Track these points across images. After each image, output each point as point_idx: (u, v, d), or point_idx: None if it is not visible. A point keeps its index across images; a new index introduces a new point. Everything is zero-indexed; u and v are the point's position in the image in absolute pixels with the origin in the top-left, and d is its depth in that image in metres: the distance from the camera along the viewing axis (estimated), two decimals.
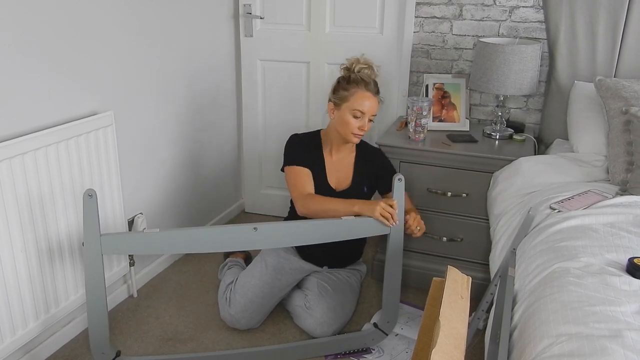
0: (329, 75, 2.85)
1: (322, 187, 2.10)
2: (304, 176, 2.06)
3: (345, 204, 1.91)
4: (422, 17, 2.59)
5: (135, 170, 2.29)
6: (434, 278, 1.53)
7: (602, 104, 2.09)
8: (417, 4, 2.57)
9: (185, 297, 2.37)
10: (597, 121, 2.12)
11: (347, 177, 2.14)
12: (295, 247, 2.18)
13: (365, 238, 2.21)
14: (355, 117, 1.99)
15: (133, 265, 2.27)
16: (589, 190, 1.82)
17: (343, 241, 1.92)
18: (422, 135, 2.33)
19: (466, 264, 2.37)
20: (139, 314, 2.25)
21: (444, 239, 2.37)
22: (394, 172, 2.16)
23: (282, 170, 2.13)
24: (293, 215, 2.17)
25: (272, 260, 2.13)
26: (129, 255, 2.23)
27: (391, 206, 1.84)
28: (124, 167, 2.20)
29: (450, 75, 2.58)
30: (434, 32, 2.59)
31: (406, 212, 1.95)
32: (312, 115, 2.92)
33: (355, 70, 2.03)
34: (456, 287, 1.40)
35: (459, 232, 2.35)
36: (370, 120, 2.02)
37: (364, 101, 1.99)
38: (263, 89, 2.96)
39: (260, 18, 2.85)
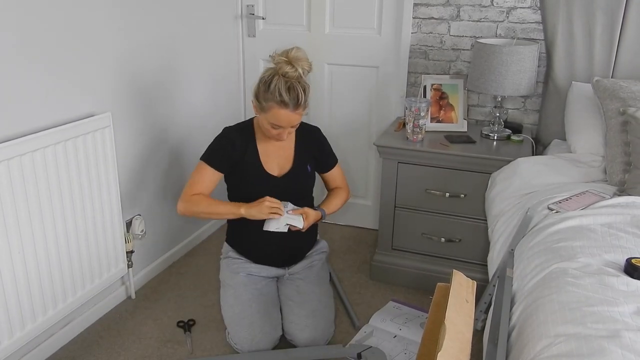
0: (329, 75, 2.85)
1: (260, 176, 2.04)
2: (205, 179, 2.00)
3: (230, 207, 1.95)
4: (420, 18, 2.59)
5: (133, 172, 2.28)
6: (439, 283, 1.53)
7: (599, 105, 2.09)
8: (415, 5, 2.57)
9: (184, 299, 2.37)
10: (594, 122, 2.13)
11: (288, 161, 2.08)
12: (249, 257, 2.13)
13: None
14: (274, 127, 1.92)
15: (131, 266, 2.27)
16: (586, 191, 1.83)
17: (293, 234, 1.99)
18: (420, 136, 2.34)
19: (464, 264, 2.37)
20: (137, 316, 2.24)
21: (442, 239, 2.37)
22: (330, 153, 2.19)
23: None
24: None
25: (236, 280, 2.07)
26: (127, 257, 2.23)
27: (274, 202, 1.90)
28: (121, 169, 2.20)
29: (448, 76, 2.58)
30: (431, 33, 2.60)
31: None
32: (313, 114, 2.93)
33: (280, 73, 1.87)
34: (461, 290, 1.39)
35: (457, 233, 2.35)
36: (293, 127, 1.94)
37: (280, 117, 1.88)
38: None
39: (263, 18, 2.87)
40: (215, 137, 2.05)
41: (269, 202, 1.92)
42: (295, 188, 2.09)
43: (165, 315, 2.25)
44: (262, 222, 1.99)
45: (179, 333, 2.15)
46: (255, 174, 2.03)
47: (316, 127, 2.18)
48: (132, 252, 2.25)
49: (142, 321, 2.21)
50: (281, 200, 2.00)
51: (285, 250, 2.12)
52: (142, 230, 2.28)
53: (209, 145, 2.04)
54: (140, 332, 2.15)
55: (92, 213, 2.00)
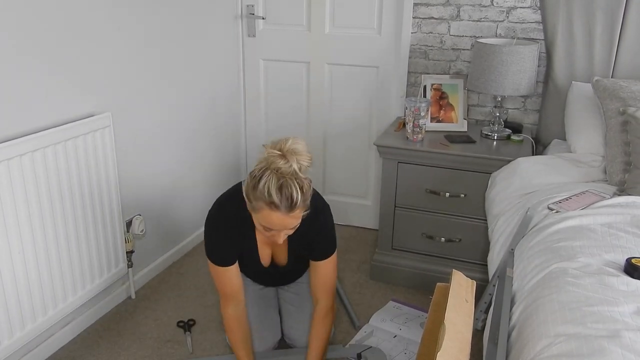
0: (329, 75, 2.85)
1: (256, 268, 1.90)
2: (229, 277, 1.79)
3: None
4: (420, 17, 2.59)
5: (134, 172, 2.28)
6: (438, 283, 1.53)
7: (599, 105, 2.09)
8: (415, 4, 2.57)
9: (184, 299, 2.37)
10: (594, 122, 2.13)
11: (282, 253, 1.88)
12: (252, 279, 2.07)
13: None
14: (267, 230, 1.61)
15: (131, 266, 2.27)
16: (586, 191, 1.83)
17: (290, 272, 1.96)
18: (420, 135, 2.34)
19: (464, 264, 2.37)
20: (137, 316, 2.24)
21: (442, 239, 2.37)
22: (323, 243, 1.82)
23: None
24: None
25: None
26: (127, 256, 2.23)
27: None
28: (122, 169, 2.20)
29: (448, 75, 2.58)
30: (431, 32, 2.60)
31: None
32: (313, 114, 2.94)
33: (272, 168, 1.52)
34: (461, 290, 1.39)
35: (457, 233, 2.35)
36: (289, 230, 1.61)
37: (271, 220, 1.55)
38: (265, 88, 3.00)
39: (262, 18, 2.87)
40: (207, 224, 1.78)
41: None
42: (291, 277, 2.07)
43: (165, 315, 2.25)
44: (256, 273, 1.97)
45: (179, 333, 2.15)
46: (251, 265, 1.89)
47: (322, 207, 1.80)
48: (132, 252, 2.25)
49: (142, 321, 2.21)
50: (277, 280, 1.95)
51: (286, 281, 2.11)
52: (142, 230, 2.28)
53: (206, 239, 1.78)
54: (140, 332, 2.15)
55: (92, 213, 2.01)
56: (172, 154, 2.52)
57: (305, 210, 1.60)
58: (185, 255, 2.73)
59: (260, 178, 1.53)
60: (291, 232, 1.64)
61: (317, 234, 1.79)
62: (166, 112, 2.44)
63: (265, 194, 1.51)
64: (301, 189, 1.54)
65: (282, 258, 1.90)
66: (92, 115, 1.99)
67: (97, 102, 2.04)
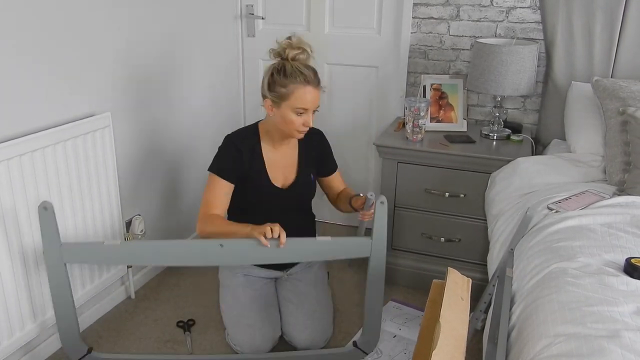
0: (328, 75, 2.85)
1: (267, 189, 1.97)
2: (219, 193, 1.91)
3: (241, 228, 1.78)
4: (420, 17, 2.59)
5: (133, 172, 2.28)
6: (434, 280, 1.53)
7: (599, 105, 2.09)
8: (414, 4, 2.57)
9: (183, 299, 2.37)
10: (594, 121, 2.13)
11: (292, 170, 2.02)
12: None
13: (314, 221, 2.17)
14: (298, 114, 1.84)
15: (131, 266, 2.27)
16: (586, 191, 1.83)
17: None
18: (419, 135, 2.34)
19: (464, 264, 2.37)
20: (137, 316, 2.24)
21: (442, 239, 2.37)
22: (332, 156, 2.13)
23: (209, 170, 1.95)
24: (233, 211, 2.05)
25: (234, 280, 2.05)
26: None
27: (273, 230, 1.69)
28: (121, 169, 2.20)
29: (447, 75, 2.58)
30: (431, 32, 2.60)
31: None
32: None
33: (290, 58, 1.82)
34: (456, 288, 1.40)
35: (456, 233, 2.35)
36: (313, 112, 1.88)
37: (305, 97, 1.81)
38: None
39: (262, 18, 2.87)
40: (220, 147, 1.95)
41: (268, 230, 1.70)
42: (299, 199, 2.06)
43: (164, 315, 2.25)
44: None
45: (179, 333, 2.15)
46: (261, 186, 1.96)
47: (319, 129, 2.10)
48: None
49: (142, 321, 2.21)
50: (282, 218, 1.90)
51: None
52: (142, 230, 2.28)
53: (216, 156, 1.94)
54: (140, 332, 2.15)
55: (92, 213, 2.00)
56: (171, 154, 2.52)
57: (323, 91, 1.89)
58: None
59: (284, 66, 1.81)
60: (312, 116, 1.87)
61: (325, 148, 2.10)
62: (166, 112, 2.44)
63: (297, 73, 1.79)
64: (316, 70, 1.87)
65: (291, 177, 2.01)
66: (92, 115, 1.99)
67: (96, 102, 2.04)
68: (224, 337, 2.10)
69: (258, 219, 1.80)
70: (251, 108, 3.05)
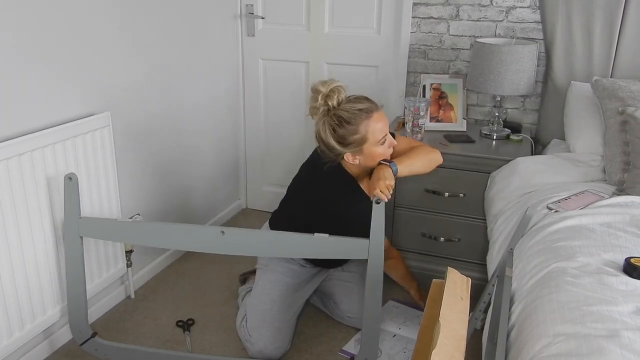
0: (328, 75, 2.85)
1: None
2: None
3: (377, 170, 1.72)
4: (419, 17, 2.59)
5: (133, 171, 2.28)
6: (434, 280, 1.53)
7: (598, 104, 2.09)
8: (414, 4, 2.57)
9: (183, 299, 2.37)
10: (593, 121, 2.13)
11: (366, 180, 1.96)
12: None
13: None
14: (383, 143, 1.77)
15: (130, 266, 2.27)
16: (585, 190, 1.83)
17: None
18: (419, 135, 2.34)
19: (463, 264, 2.37)
20: (136, 316, 2.24)
21: (442, 239, 2.37)
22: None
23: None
24: (279, 220, 2.05)
25: (283, 267, 2.02)
26: (127, 256, 2.23)
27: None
28: (121, 168, 2.20)
29: (447, 75, 2.58)
30: (431, 32, 2.60)
31: None
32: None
33: (336, 105, 1.74)
34: (456, 288, 1.40)
35: (456, 233, 2.35)
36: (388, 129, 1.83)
37: (378, 124, 1.74)
38: (265, 88, 3.00)
39: (262, 18, 2.88)
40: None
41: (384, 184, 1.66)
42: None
43: (164, 315, 2.25)
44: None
45: (178, 333, 2.15)
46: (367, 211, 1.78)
47: None
48: (131, 251, 2.25)
49: (142, 321, 2.21)
50: None
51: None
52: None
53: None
54: (139, 331, 2.15)
55: (91, 212, 2.00)
56: (171, 153, 2.52)
57: (382, 107, 1.79)
58: (185, 255, 2.73)
59: (340, 116, 1.72)
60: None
61: None
62: (165, 112, 2.44)
63: (357, 112, 1.71)
64: (359, 95, 1.77)
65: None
66: (92, 115, 1.99)
67: (96, 101, 2.04)
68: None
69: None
70: (251, 108, 3.05)
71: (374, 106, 1.76)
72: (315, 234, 1.70)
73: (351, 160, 1.80)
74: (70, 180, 1.75)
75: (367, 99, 1.77)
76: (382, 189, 1.67)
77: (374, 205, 1.64)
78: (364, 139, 1.73)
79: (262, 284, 2.03)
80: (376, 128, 1.73)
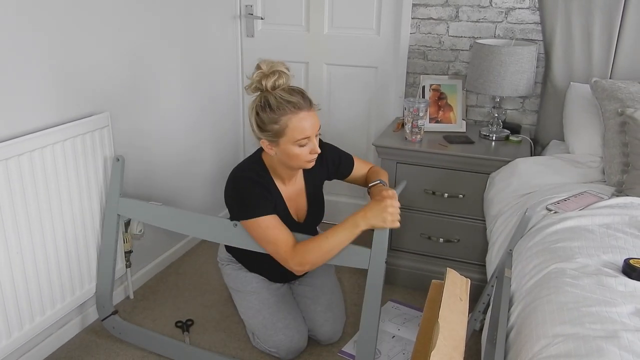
0: (327, 76, 2.86)
1: (288, 224, 1.75)
2: (280, 226, 1.69)
3: (343, 230, 1.60)
4: (419, 18, 2.59)
5: (132, 172, 2.28)
6: (433, 280, 1.53)
7: (597, 106, 2.09)
8: (414, 5, 2.57)
9: (182, 299, 2.37)
10: (592, 122, 2.13)
11: (303, 201, 1.91)
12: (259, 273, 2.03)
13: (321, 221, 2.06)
14: (302, 145, 1.65)
15: (130, 266, 2.27)
16: (585, 192, 1.83)
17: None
18: (418, 136, 2.34)
19: (463, 264, 2.37)
20: (135, 316, 2.24)
21: (441, 240, 2.37)
22: (342, 157, 1.94)
23: (233, 220, 1.76)
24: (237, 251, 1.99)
25: (255, 285, 2.00)
26: (126, 257, 2.23)
27: (392, 199, 1.57)
28: None
29: (446, 76, 2.58)
30: (430, 33, 2.60)
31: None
32: None
33: (269, 88, 1.62)
34: (455, 289, 1.40)
35: (455, 233, 2.35)
36: (317, 135, 1.69)
37: (302, 125, 1.61)
38: None
39: (261, 18, 2.88)
40: (244, 189, 1.71)
41: (391, 212, 1.56)
42: (313, 227, 2.00)
43: (163, 315, 2.25)
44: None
45: (178, 333, 2.15)
46: (284, 222, 1.75)
47: (322, 143, 1.86)
48: (130, 252, 2.25)
49: (141, 321, 2.21)
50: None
51: None
52: (141, 230, 2.28)
53: (239, 202, 1.71)
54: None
55: (90, 213, 2.00)
56: (170, 154, 2.52)
57: (318, 109, 1.68)
58: (184, 255, 2.73)
59: (267, 99, 1.62)
60: (317, 140, 1.69)
61: (332, 155, 1.90)
62: (165, 112, 2.44)
63: (284, 102, 1.60)
64: (301, 89, 1.67)
65: (303, 209, 1.90)
66: (91, 115, 1.99)
67: (95, 101, 2.04)
68: (250, 341, 2.09)
69: (266, 255, 1.73)
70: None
71: (306, 104, 1.63)
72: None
73: (267, 150, 1.70)
74: (118, 161, 1.95)
75: (303, 94, 1.65)
76: (392, 216, 1.60)
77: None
78: (281, 132, 1.62)
79: (250, 301, 2.00)
80: (297, 126, 1.61)
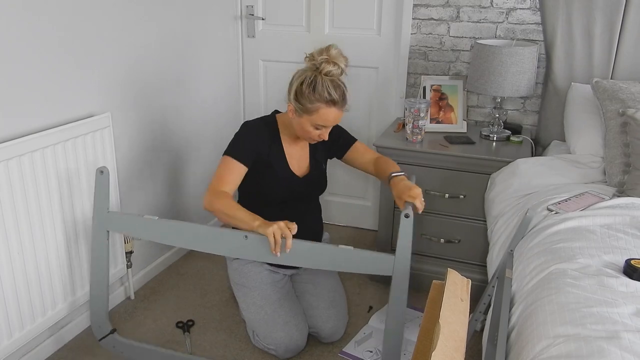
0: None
1: (286, 175, 1.97)
2: (234, 173, 1.87)
3: (247, 216, 1.70)
4: (420, 18, 2.59)
5: (133, 172, 2.28)
6: (434, 281, 1.53)
7: (599, 106, 2.09)
8: (415, 5, 2.58)
9: (183, 300, 2.37)
10: (594, 123, 2.13)
11: (306, 163, 2.04)
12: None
13: (321, 210, 2.18)
14: (317, 129, 1.86)
15: (130, 267, 2.27)
16: (586, 192, 1.83)
17: (303, 234, 1.79)
18: (419, 136, 2.34)
19: (464, 265, 2.37)
20: (136, 316, 2.24)
21: (442, 240, 2.37)
22: (343, 133, 2.09)
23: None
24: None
25: (259, 280, 2.03)
26: (127, 257, 2.23)
27: (289, 229, 1.61)
28: (121, 169, 2.20)
29: (447, 76, 2.58)
30: (431, 33, 2.60)
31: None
32: None
33: (323, 72, 1.80)
34: (456, 289, 1.40)
35: (456, 234, 2.35)
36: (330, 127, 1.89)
37: (328, 117, 1.82)
38: (265, 89, 3.00)
39: (262, 19, 2.88)
40: (240, 131, 1.95)
41: (279, 226, 1.62)
42: (313, 189, 2.07)
43: (164, 315, 2.25)
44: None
45: (178, 334, 2.15)
46: (280, 174, 1.96)
47: None
48: (131, 252, 2.25)
49: (141, 322, 2.21)
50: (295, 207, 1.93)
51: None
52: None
53: (234, 139, 1.94)
54: (139, 332, 2.15)
55: (91, 213, 2.00)
56: (171, 154, 2.52)
57: (346, 110, 1.89)
58: (184, 256, 2.73)
59: (316, 82, 1.79)
60: (329, 130, 1.89)
61: (335, 130, 2.04)
62: (165, 113, 2.44)
63: (325, 94, 1.78)
64: (345, 87, 1.85)
65: (305, 168, 2.04)
66: (92, 116, 1.99)
67: (96, 102, 2.04)
68: (250, 340, 2.09)
69: (271, 207, 1.83)
70: (251, 108, 3.05)
71: (340, 104, 1.82)
72: (340, 246, 1.63)
73: (289, 111, 1.89)
74: (102, 173, 1.76)
75: (344, 93, 1.83)
76: (418, 197, 1.70)
77: (402, 219, 1.54)
78: (310, 111, 1.81)
79: (253, 297, 2.02)
80: (324, 116, 1.82)
